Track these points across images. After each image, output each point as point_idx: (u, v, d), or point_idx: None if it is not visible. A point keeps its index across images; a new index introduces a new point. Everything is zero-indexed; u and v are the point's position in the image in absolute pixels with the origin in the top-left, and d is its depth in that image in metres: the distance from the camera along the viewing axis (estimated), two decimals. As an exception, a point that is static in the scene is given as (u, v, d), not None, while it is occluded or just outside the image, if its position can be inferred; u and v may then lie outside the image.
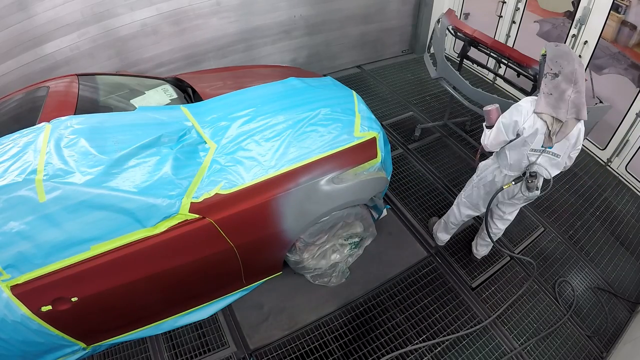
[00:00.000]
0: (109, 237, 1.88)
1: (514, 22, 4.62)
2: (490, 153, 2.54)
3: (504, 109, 2.32)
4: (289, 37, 4.72)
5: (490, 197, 2.43)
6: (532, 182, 2.26)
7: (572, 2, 4.08)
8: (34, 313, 1.84)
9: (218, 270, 2.38)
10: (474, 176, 2.67)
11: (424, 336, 2.66)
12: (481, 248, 3.05)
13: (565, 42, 4.04)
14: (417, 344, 2.60)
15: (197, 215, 2.06)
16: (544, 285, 3.03)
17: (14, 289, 1.77)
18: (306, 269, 2.77)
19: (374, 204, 2.78)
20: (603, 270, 3.20)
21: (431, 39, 3.76)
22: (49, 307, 1.86)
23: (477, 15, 5.40)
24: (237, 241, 2.25)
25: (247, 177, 2.20)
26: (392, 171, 3.31)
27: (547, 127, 2.08)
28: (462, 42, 3.59)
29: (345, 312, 2.77)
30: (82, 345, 2.22)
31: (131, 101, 2.62)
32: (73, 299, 1.91)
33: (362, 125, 2.63)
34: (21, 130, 2.01)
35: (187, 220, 2.04)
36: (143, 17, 3.78)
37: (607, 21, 3.68)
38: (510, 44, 4.68)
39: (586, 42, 3.87)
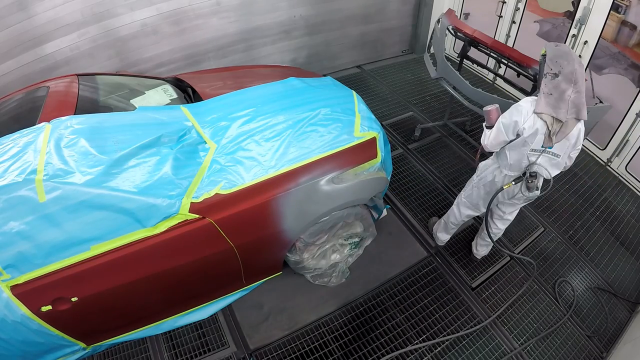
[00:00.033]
0: (109, 237, 1.88)
1: (514, 22, 4.62)
2: (490, 153, 2.54)
3: (504, 109, 2.31)
4: (289, 37, 4.72)
5: (490, 197, 2.43)
6: (532, 182, 2.26)
7: (572, 2, 4.08)
8: (34, 313, 1.84)
9: (218, 270, 2.38)
10: (474, 176, 2.67)
11: (424, 336, 2.66)
12: (481, 248, 3.05)
13: (565, 42, 4.04)
14: (417, 344, 2.60)
15: (197, 215, 2.06)
16: (544, 285, 3.03)
17: (14, 289, 1.77)
18: (306, 269, 2.77)
19: (374, 204, 2.78)
20: (603, 270, 3.20)
21: (431, 39, 3.76)
22: (49, 307, 1.86)
23: (477, 15, 5.40)
24: (237, 241, 2.25)
25: (247, 177, 2.20)
26: (392, 171, 3.31)
27: (547, 127, 2.08)
28: (462, 42, 3.59)
29: (345, 312, 2.77)
30: (82, 345, 2.22)
31: (131, 101, 2.62)
32: (73, 299, 1.91)
33: (362, 125, 2.63)
34: (21, 130, 2.01)
35: (187, 220, 2.04)
36: (143, 17, 3.78)
37: (607, 21, 3.68)
38: (510, 44, 4.68)
39: (586, 42, 3.87)
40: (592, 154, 4.25)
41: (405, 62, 5.67)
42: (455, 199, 2.91)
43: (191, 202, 2.04)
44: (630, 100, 3.67)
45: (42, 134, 1.96)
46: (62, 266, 1.82)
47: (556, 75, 2.05)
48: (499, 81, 5.08)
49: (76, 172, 1.84)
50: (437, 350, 2.60)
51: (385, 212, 3.24)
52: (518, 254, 3.20)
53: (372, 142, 2.61)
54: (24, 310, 1.81)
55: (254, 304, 2.75)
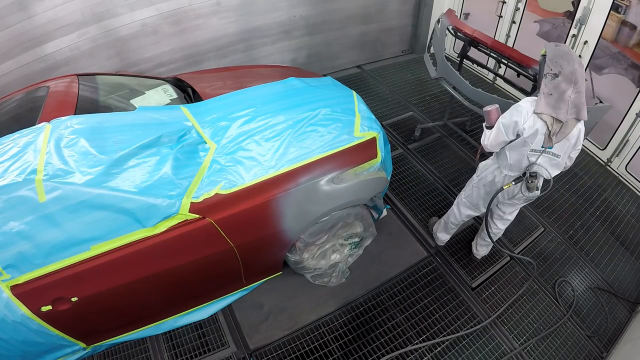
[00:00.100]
0: (109, 237, 1.88)
1: (514, 22, 4.62)
2: (490, 153, 2.54)
3: (504, 109, 2.31)
4: (289, 37, 4.72)
5: (490, 197, 2.43)
6: (532, 182, 2.26)
7: (572, 2, 4.08)
8: (34, 313, 1.84)
9: (218, 270, 2.38)
10: (474, 176, 2.67)
11: (424, 336, 2.66)
12: (481, 248, 3.05)
13: (565, 42, 4.04)
14: (417, 344, 2.60)
15: (197, 215, 2.06)
16: (544, 285, 3.03)
17: (14, 289, 1.77)
18: (306, 269, 2.77)
19: (374, 204, 2.78)
20: (603, 270, 3.20)
21: (431, 39, 3.76)
22: (49, 307, 1.86)
23: (477, 15, 5.40)
24: (237, 241, 2.25)
25: (247, 177, 2.20)
26: (392, 171, 3.31)
27: (547, 127, 2.08)
28: (462, 42, 3.59)
29: (345, 312, 2.77)
30: (82, 345, 2.22)
31: (131, 101, 2.62)
32: (73, 299, 1.91)
33: (362, 125, 2.63)
34: (21, 130, 2.01)
35: (187, 220, 2.04)
36: (143, 17, 3.78)
37: (607, 21, 3.68)
38: (510, 44, 4.69)
39: (586, 42, 3.87)
40: (592, 154, 4.25)
41: (405, 62, 5.67)
42: (455, 199, 2.91)
43: (191, 202, 2.04)
44: (630, 100, 3.67)
45: (42, 134, 1.96)
46: (62, 266, 1.82)
47: (556, 75, 2.05)
48: (499, 81, 5.08)
49: (76, 172, 1.84)
50: (437, 350, 2.60)
51: (385, 212, 3.24)
52: (518, 254, 3.20)
53: (372, 142, 2.61)
54: (24, 310, 1.81)
55: (254, 304, 2.75)
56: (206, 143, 2.29)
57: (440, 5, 5.25)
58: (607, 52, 4.08)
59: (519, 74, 3.22)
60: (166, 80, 3.11)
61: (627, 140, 3.82)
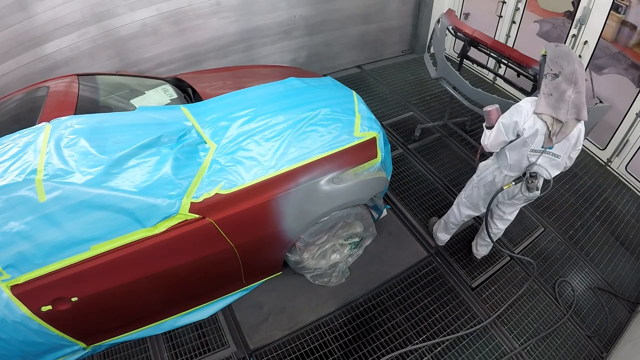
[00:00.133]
0: (109, 237, 1.88)
1: (514, 22, 4.62)
2: (491, 153, 2.54)
3: (504, 109, 2.31)
4: (289, 37, 4.72)
5: (490, 198, 2.43)
6: (532, 182, 2.26)
7: (572, 2, 4.08)
8: (34, 313, 1.84)
9: (218, 270, 2.38)
10: (474, 176, 2.67)
11: (424, 336, 2.66)
12: (481, 248, 3.05)
13: (565, 42, 4.04)
14: (417, 344, 2.60)
15: (197, 215, 2.06)
16: (544, 285, 3.03)
17: (14, 289, 1.77)
18: (306, 269, 2.77)
19: (374, 204, 2.78)
20: (603, 270, 3.20)
21: (431, 39, 3.76)
22: (49, 307, 1.86)
23: (477, 15, 5.40)
24: (237, 241, 2.25)
25: (247, 177, 2.20)
26: (392, 171, 3.31)
27: (547, 127, 2.08)
28: (462, 42, 3.59)
29: (345, 312, 2.77)
30: (82, 345, 2.22)
31: (131, 101, 2.62)
32: (73, 299, 1.91)
33: (362, 125, 2.63)
34: (21, 130, 2.01)
35: (187, 220, 2.04)
36: (143, 17, 3.78)
37: (607, 21, 3.68)
38: (510, 44, 4.69)
39: (586, 42, 3.87)
40: (592, 154, 4.25)
41: (405, 62, 5.67)
42: (455, 199, 2.91)
43: (191, 202, 2.04)
44: (630, 100, 3.67)
45: (42, 134, 1.96)
46: (62, 266, 1.82)
47: (556, 75, 2.05)
48: (499, 81, 5.08)
49: (76, 172, 1.84)
50: (437, 350, 2.60)
51: (385, 212, 3.24)
52: (518, 254, 3.20)
53: (372, 142, 2.61)
54: (24, 310, 1.81)
55: (254, 304, 2.75)
56: (206, 143, 2.29)
57: (440, 5, 5.25)
58: (607, 52, 4.08)
59: (519, 74, 3.22)
60: (166, 80, 3.11)
61: (627, 140, 3.82)
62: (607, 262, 3.26)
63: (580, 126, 2.13)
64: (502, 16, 4.72)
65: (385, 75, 5.34)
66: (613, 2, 3.57)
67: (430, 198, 3.62)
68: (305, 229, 2.47)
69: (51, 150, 1.88)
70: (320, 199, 2.40)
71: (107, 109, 2.49)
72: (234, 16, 4.22)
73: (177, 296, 2.39)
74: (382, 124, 3.00)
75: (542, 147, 2.16)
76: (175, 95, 2.81)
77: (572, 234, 3.44)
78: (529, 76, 3.08)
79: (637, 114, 3.64)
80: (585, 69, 3.89)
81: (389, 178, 2.89)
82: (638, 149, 3.75)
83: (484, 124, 2.41)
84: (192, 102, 2.77)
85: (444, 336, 2.65)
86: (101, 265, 1.89)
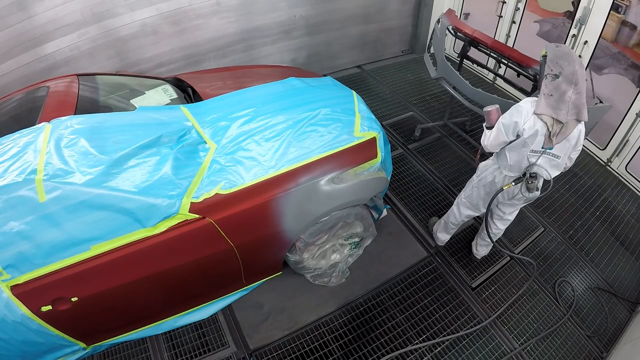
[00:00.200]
0: (109, 237, 1.88)
1: (514, 22, 4.62)
2: (491, 153, 2.54)
3: (504, 109, 2.31)
4: (289, 37, 4.72)
5: (490, 198, 2.43)
6: (532, 183, 2.26)
7: (572, 2, 4.08)
8: (34, 313, 1.84)
9: (218, 270, 2.38)
10: (474, 176, 2.67)
11: (424, 336, 2.66)
12: (481, 248, 3.06)
13: (565, 42, 4.04)
14: (417, 344, 2.60)
15: (197, 215, 2.06)
16: (544, 285, 3.03)
17: (14, 289, 1.77)
18: (306, 269, 2.77)
19: (374, 204, 2.78)
20: (603, 270, 3.20)
21: (431, 39, 3.76)
22: (49, 307, 1.86)
23: (477, 15, 5.40)
24: (237, 241, 2.25)
25: (247, 177, 2.20)
26: (392, 171, 3.31)
27: (547, 128, 2.08)
28: (462, 42, 3.59)
29: (345, 312, 2.77)
30: (82, 345, 2.22)
31: (131, 101, 2.62)
32: (73, 299, 1.91)
33: (362, 125, 2.63)
34: (21, 130, 2.01)
35: (187, 220, 2.04)
36: (143, 17, 3.78)
37: (607, 21, 3.68)
38: (510, 44, 4.68)
39: (586, 42, 3.87)
40: (592, 154, 4.25)
41: (405, 62, 5.67)
42: (455, 199, 2.91)
43: (191, 202, 2.04)
44: (630, 100, 3.67)
45: (42, 134, 1.96)
46: (62, 266, 1.82)
47: (557, 76, 2.05)
48: (499, 81, 5.08)
49: (76, 172, 1.84)
50: (437, 350, 2.60)
51: (385, 212, 3.24)
52: (518, 254, 3.20)
53: (372, 142, 2.61)
54: (24, 310, 1.81)
55: (254, 304, 2.75)
56: (206, 143, 2.29)
57: (440, 5, 5.25)
58: (607, 52, 4.08)
59: (519, 74, 3.22)
60: (166, 80, 3.11)
61: (627, 140, 3.82)
62: (607, 262, 3.26)
63: (581, 127, 2.13)
64: (502, 16, 4.72)
65: (385, 75, 5.34)
66: (613, 2, 3.57)
67: (430, 198, 3.62)
68: (305, 229, 2.47)
69: (51, 150, 1.88)
70: (320, 199, 2.40)
71: (107, 109, 2.49)
72: (234, 16, 4.22)
73: (177, 296, 2.39)
74: (382, 124, 3.00)
75: (542, 147, 2.16)
76: (175, 95, 2.81)
77: (572, 234, 3.44)
78: (529, 76, 3.08)
79: (637, 114, 3.64)
80: (585, 69, 3.89)
81: (389, 178, 2.89)
82: (638, 149, 3.75)
83: (484, 124, 2.41)
84: (192, 102, 2.77)
85: (444, 336, 2.65)
86: (101, 265, 1.89)
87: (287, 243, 2.50)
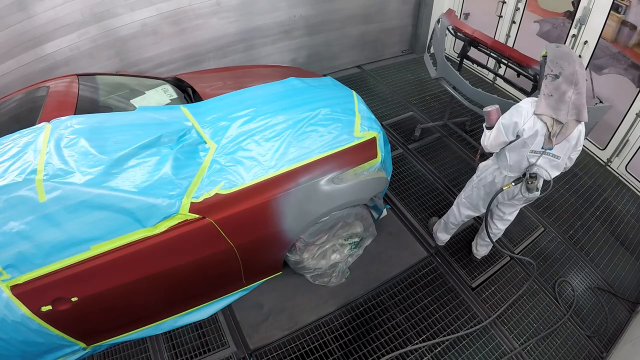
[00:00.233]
0: (109, 237, 1.88)
1: (514, 22, 4.62)
2: (490, 154, 2.54)
3: (504, 109, 2.31)
4: (289, 37, 4.72)
5: (490, 198, 2.43)
6: (532, 183, 2.26)
7: (572, 2, 4.08)
8: (34, 313, 1.84)
9: (218, 270, 2.38)
10: (474, 177, 2.67)
11: (424, 336, 2.66)
12: (481, 248, 3.06)
13: (565, 42, 4.04)
14: (417, 344, 2.60)
15: (197, 215, 2.06)
16: (544, 285, 3.03)
17: (14, 289, 1.77)
18: (306, 269, 2.77)
19: (374, 204, 2.78)
20: (603, 270, 3.20)
21: (431, 39, 3.76)
22: (49, 307, 1.86)
23: (477, 15, 5.40)
24: (237, 241, 2.25)
25: (247, 177, 2.20)
26: (392, 171, 3.31)
27: (547, 128, 2.08)
28: (462, 42, 3.59)
29: (345, 312, 2.77)
30: (82, 345, 2.22)
31: (131, 101, 2.62)
32: (73, 299, 1.91)
33: (362, 125, 2.63)
34: (21, 130, 2.01)
35: (187, 220, 2.04)
36: (143, 17, 3.78)
37: (607, 21, 3.68)
38: (510, 44, 4.68)
39: (586, 42, 3.87)
40: (592, 154, 4.25)
41: (405, 62, 5.67)
42: (455, 199, 2.91)
43: (191, 202, 2.04)
44: (630, 100, 3.67)
45: (42, 134, 1.96)
46: (62, 266, 1.82)
47: (557, 76, 2.05)
48: (499, 81, 5.08)
49: (76, 172, 1.84)
50: (437, 350, 2.60)
51: (385, 212, 3.24)
52: (518, 254, 3.20)
53: (372, 142, 2.61)
54: (24, 310, 1.81)
55: (254, 304, 2.75)
56: (206, 143, 2.29)
57: (440, 5, 5.25)
58: (607, 52, 4.08)
59: (519, 74, 3.22)
60: (166, 80, 3.11)
61: (627, 140, 3.82)
62: (607, 262, 3.26)
63: (581, 127, 2.13)
64: (502, 16, 4.72)
65: (385, 75, 5.34)
66: (613, 2, 3.57)
67: (430, 198, 3.62)
68: (305, 229, 2.47)
69: (51, 150, 1.88)
70: (320, 199, 2.40)
71: (107, 109, 2.49)
72: (234, 16, 4.22)
73: (177, 296, 2.39)
74: (382, 124, 3.00)
75: (542, 148, 2.16)
76: (175, 95, 2.81)
77: (572, 234, 3.44)
78: (529, 76, 3.08)
79: (637, 114, 3.64)
80: (585, 69, 3.89)
81: (389, 178, 2.89)
82: (638, 149, 3.75)
83: (484, 125, 2.41)
84: (192, 102, 2.77)
85: (444, 336, 2.65)
86: (101, 265, 1.89)
87: (287, 243, 2.50)
